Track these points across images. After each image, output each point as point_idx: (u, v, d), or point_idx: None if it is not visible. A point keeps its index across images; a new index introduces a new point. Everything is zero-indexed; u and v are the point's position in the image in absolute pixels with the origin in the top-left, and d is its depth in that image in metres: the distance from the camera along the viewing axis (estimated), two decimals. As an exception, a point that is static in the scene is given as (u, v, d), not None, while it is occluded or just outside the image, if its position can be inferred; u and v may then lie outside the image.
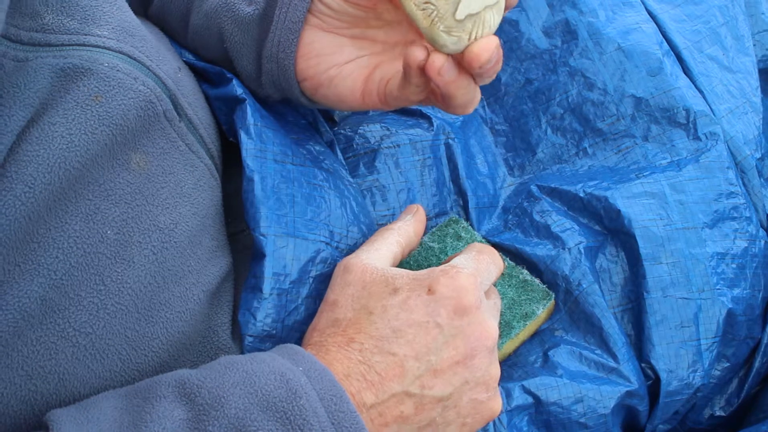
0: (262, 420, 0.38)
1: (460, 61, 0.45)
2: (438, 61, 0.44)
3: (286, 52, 0.51)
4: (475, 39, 0.43)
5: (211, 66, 0.56)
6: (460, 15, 0.42)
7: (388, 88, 0.50)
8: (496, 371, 0.47)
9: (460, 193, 0.63)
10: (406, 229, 0.54)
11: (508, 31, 0.68)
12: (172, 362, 0.46)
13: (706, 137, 0.61)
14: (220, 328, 0.48)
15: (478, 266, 0.49)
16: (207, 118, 0.53)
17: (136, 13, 0.58)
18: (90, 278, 0.41)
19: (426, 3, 0.42)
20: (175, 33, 0.59)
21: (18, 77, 0.40)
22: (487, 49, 0.43)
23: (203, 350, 0.48)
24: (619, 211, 0.58)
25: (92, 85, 0.42)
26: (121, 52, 0.45)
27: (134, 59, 0.46)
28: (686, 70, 0.65)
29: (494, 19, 0.44)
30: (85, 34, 0.44)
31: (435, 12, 0.42)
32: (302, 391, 0.39)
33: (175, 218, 0.46)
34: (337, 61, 0.52)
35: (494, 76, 0.46)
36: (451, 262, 0.49)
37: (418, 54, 0.45)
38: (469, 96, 0.47)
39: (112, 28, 0.46)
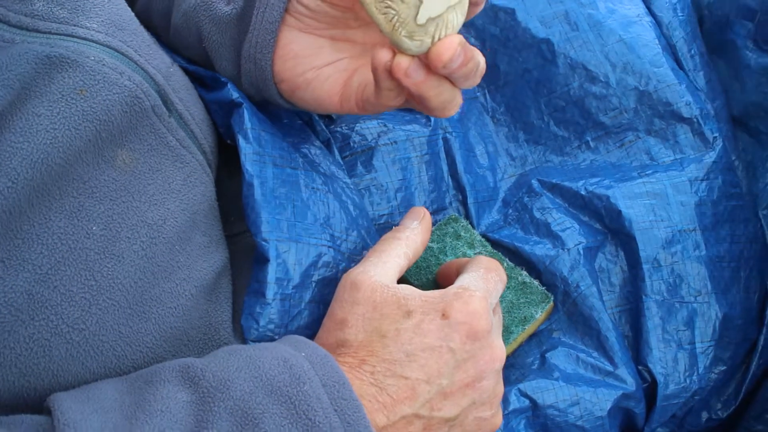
0: (268, 403, 0.39)
1: (426, 62, 0.44)
2: (403, 62, 0.44)
3: (263, 53, 0.51)
4: (439, 40, 0.43)
5: (204, 70, 0.56)
6: (421, 19, 0.42)
7: (365, 95, 0.50)
8: (500, 390, 0.49)
9: (459, 188, 0.63)
10: (414, 239, 0.54)
11: (504, 20, 0.68)
12: (171, 358, 0.46)
13: (709, 133, 0.62)
14: (221, 326, 0.49)
15: (487, 287, 0.50)
16: (200, 113, 0.53)
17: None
18: (79, 273, 0.41)
19: (387, 8, 0.42)
20: (160, 32, 0.59)
21: (1, 57, 0.40)
22: (449, 48, 0.43)
23: (204, 347, 0.48)
24: (620, 212, 0.59)
25: (77, 78, 0.42)
26: (108, 46, 0.45)
27: (122, 53, 0.46)
28: (681, 66, 0.66)
29: (457, 18, 0.43)
30: (74, 25, 0.44)
31: (396, 17, 0.42)
32: (306, 377, 0.40)
33: (164, 214, 0.46)
34: (315, 63, 0.52)
35: (474, 77, 0.46)
36: (463, 284, 0.49)
37: (383, 56, 0.45)
38: (445, 97, 0.47)
39: (102, 21, 0.46)
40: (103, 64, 0.44)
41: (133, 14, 0.50)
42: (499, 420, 0.49)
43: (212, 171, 0.53)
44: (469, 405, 0.47)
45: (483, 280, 0.50)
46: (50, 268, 0.40)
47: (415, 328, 0.46)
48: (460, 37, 0.43)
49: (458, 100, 0.48)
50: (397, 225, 0.60)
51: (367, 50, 0.52)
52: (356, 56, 0.52)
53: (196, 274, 0.48)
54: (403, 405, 0.45)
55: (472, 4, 0.45)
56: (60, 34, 0.43)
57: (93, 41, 0.44)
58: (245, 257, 0.54)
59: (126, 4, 0.50)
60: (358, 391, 0.44)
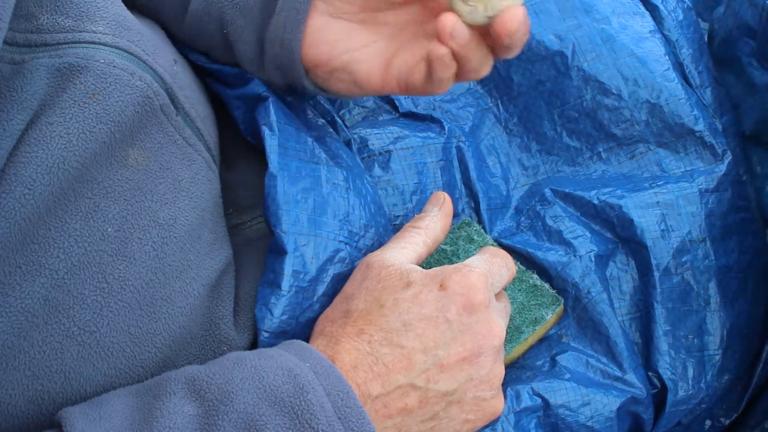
0: (271, 414, 0.40)
1: (487, 31, 0.46)
2: (449, 22, 0.45)
3: (293, 34, 0.52)
4: (491, 9, 0.45)
5: (228, 68, 0.57)
6: None
7: (410, 80, 0.51)
8: (500, 370, 0.50)
9: (472, 194, 0.65)
10: (433, 228, 0.55)
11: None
12: (175, 357, 0.47)
13: (718, 146, 0.64)
14: (222, 321, 0.50)
15: (490, 268, 0.52)
16: (204, 110, 0.54)
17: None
18: (92, 276, 0.42)
19: None
20: (168, 21, 0.59)
21: (15, 80, 0.41)
22: (515, 18, 0.45)
23: (205, 343, 0.49)
24: (632, 220, 0.61)
25: (89, 83, 0.43)
26: (117, 47, 0.46)
27: (130, 53, 0.46)
28: (688, 82, 0.68)
29: None
30: (80, 31, 0.44)
31: None
32: (309, 386, 0.41)
33: (174, 213, 0.47)
34: (351, 46, 0.52)
35: (518, 50, 0.48)
36: (465, 262, 0.51)
37: (440, 50, 0.47)
38: (482, 59, 0.49)
39: (107, 23, 0.46)
40: (114, 66, 0.44)
41: (132, 15, 0.51)
42: (500, 404, 0.50)
43: (217, 167, 0.54)
44: (466, 380, 0.48)
45: (486, 262, 0.52)
46: (66, 272, 0.41)
47: (413, 298, 0.48)
48: (524, 10, 0.45)
49: (491, 61, 0.50)
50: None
51: (398, 31, 0.53)
52: (389, 37, 0.53)
53: (204, 272, 0.49)
54: (398, 374, 0.46)
55: None
56: (68, 43, 0.43)
57: (101, 44, 0.45)
58: (244, 249, 0.55)
59: (124, 5, 0.51)
60: (354, 361, 0.46)
